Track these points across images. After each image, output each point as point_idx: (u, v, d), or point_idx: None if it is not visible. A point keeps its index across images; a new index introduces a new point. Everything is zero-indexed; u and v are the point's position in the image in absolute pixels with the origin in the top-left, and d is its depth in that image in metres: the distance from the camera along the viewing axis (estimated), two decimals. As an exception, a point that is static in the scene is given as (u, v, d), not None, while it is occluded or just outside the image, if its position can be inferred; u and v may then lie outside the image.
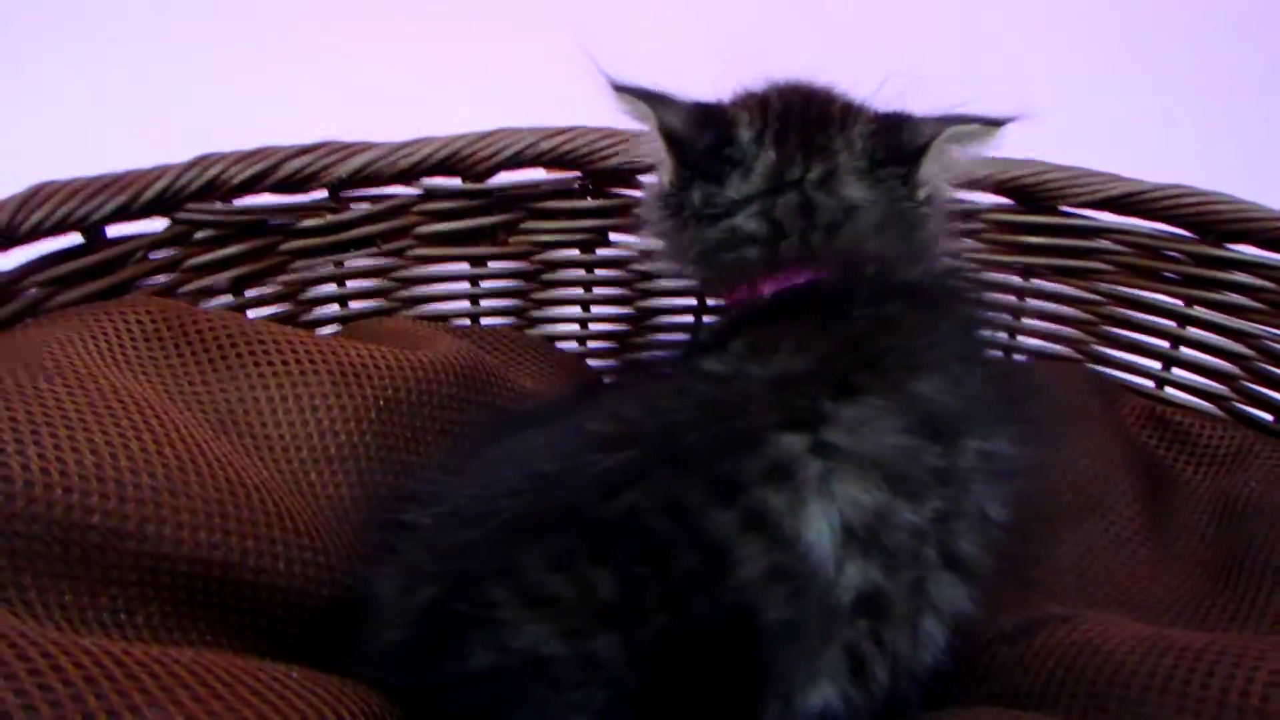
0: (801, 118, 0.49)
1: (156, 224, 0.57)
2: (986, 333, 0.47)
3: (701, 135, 0.48)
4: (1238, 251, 0.65)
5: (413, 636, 0.37)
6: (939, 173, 0.48)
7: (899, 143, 0.47)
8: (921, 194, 0.48)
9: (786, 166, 0.47)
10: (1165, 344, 0.70)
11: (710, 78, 0.50)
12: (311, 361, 0.50)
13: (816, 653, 0.35)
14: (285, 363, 0.50)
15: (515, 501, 0.37)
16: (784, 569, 0.34)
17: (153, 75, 0.85)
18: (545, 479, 0.37)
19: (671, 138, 0.48)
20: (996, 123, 0.47)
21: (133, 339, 0.49)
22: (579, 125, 0.64)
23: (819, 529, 0.35)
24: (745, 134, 0.48)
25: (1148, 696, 0.38)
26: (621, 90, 0.49)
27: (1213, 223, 0.64)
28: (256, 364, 0.49)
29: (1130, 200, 0.66)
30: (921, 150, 0.47)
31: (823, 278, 0.45)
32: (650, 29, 0.84)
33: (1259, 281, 0.65)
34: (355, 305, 0.66)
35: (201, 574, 0.39)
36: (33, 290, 0.52)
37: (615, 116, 0.51)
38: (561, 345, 0.72)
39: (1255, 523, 0.56)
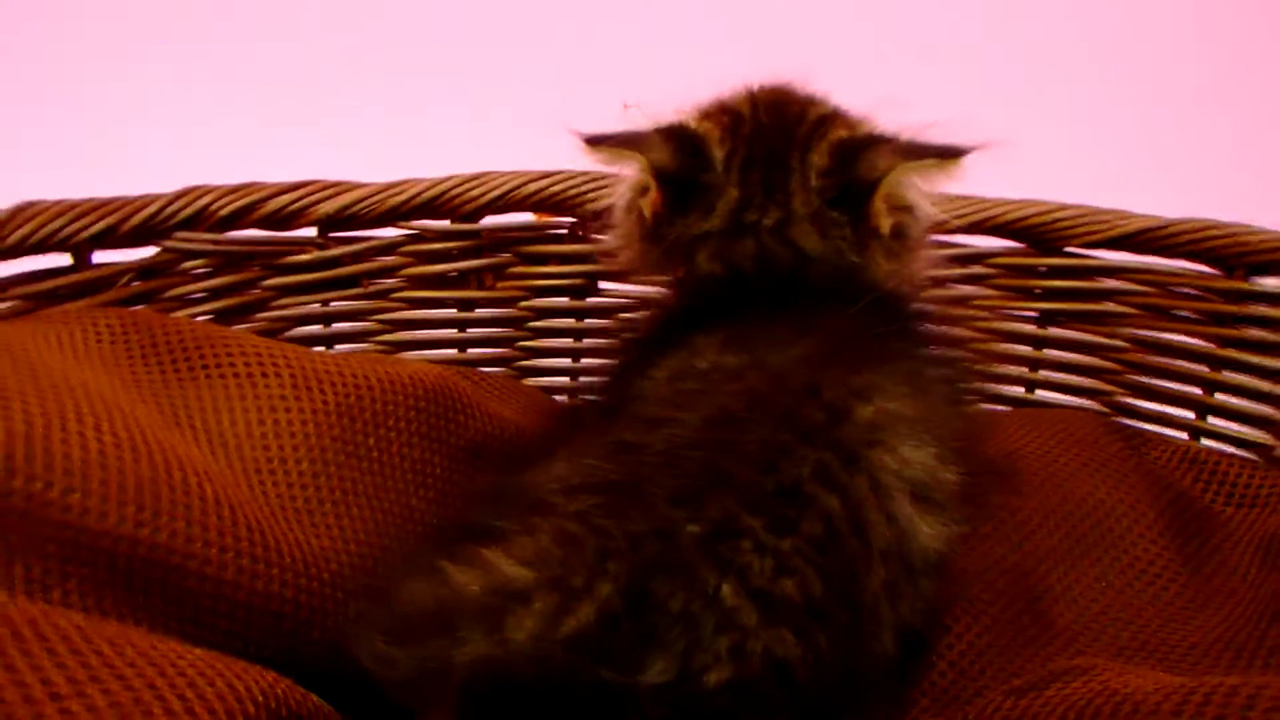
0: (769, 141, 0.47)
1: (146, 252, 0.58)
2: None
3: (686, 165, 0.47)
4: (1267, 285, 0.61)
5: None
6: (903, 202, 0.47)
7: (851, 178, 0.46)
8: (881, 224, 0.46)
9: (746, 208, 0.47)
10: (1198, 390, 0.65)
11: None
12: (275, 365, 0.49)
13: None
14: (247, 364, 0.48)
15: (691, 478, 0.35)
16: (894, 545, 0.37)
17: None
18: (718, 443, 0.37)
19: (663, 175, 0.47)
20: (957, 154, 0.44)
21: (99, 340, 0.49)
22: (565, 169, 0.64)
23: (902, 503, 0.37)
24: (718, 154, 0.48)
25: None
26: (595, 142, 0.47)
27: (1237, 255, 0.61)
28: (219, 365, 0.48)
29: (1147, 237, 0.63)
30: (872, 187, 0.45)
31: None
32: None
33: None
34: (341, 348, 0.65)
35: (125, 551, 0.37)
36: (13, 301, 0.52)
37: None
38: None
39: (1308, 560, 0.50)
